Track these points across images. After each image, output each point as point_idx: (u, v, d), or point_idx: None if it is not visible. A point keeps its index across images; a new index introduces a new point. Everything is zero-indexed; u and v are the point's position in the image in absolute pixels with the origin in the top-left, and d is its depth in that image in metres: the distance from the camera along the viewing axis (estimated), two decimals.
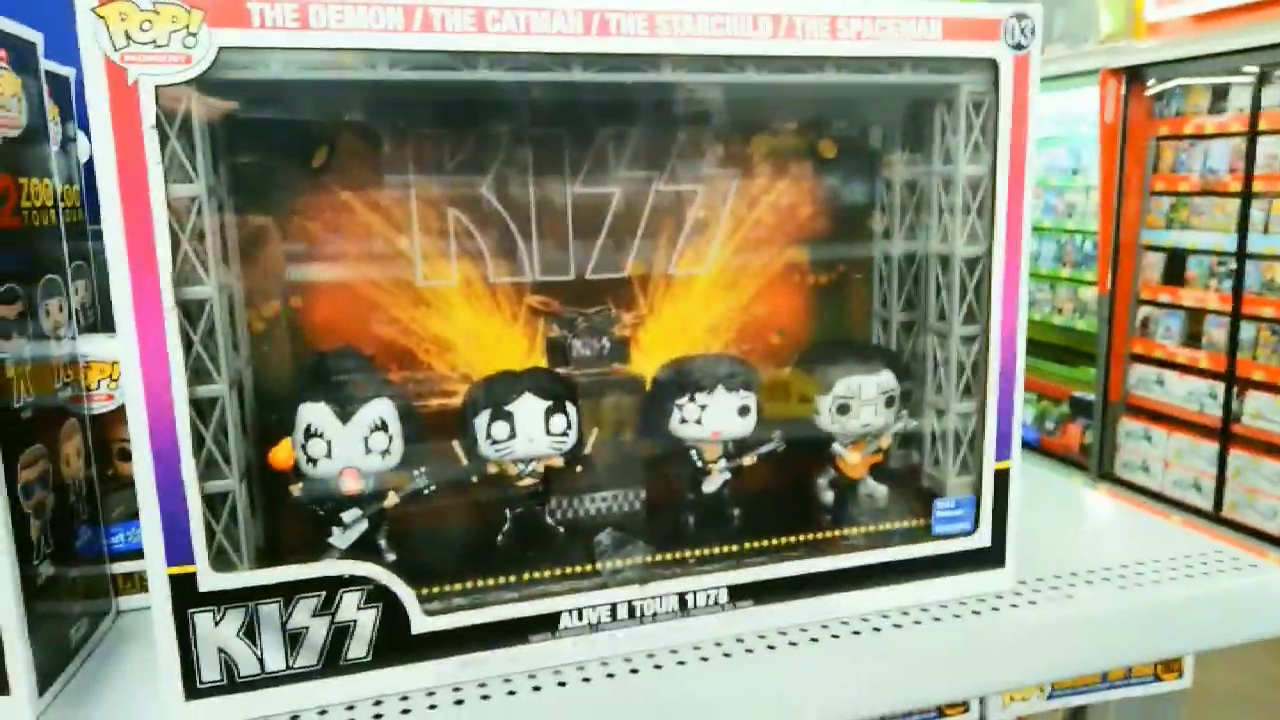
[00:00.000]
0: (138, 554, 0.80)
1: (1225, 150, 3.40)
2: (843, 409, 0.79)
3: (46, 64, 0.75)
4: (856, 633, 0.74)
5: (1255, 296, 3.28)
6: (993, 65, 0.71)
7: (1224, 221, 3.43)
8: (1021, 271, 0.74)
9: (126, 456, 0.80)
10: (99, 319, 0.92)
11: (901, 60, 0.70)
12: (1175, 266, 3.65)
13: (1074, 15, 4.08)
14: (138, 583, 0.80)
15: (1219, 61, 3.31)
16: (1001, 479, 0.77)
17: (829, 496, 0.82)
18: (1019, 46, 0.71)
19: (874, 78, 0.71)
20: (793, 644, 0.73)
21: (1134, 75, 3.60)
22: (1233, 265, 3.36)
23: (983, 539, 0.78)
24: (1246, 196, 3.29)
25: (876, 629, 0.75)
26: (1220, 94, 3.46)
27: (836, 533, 0.78)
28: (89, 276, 0.90)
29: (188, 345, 0.61)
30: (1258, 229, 3.27)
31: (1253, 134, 3.24)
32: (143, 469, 0.60)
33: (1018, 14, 0.70)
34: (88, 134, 1.03)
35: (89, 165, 1.03)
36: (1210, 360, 3.46)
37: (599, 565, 0.72)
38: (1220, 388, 3.43)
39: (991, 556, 0.79)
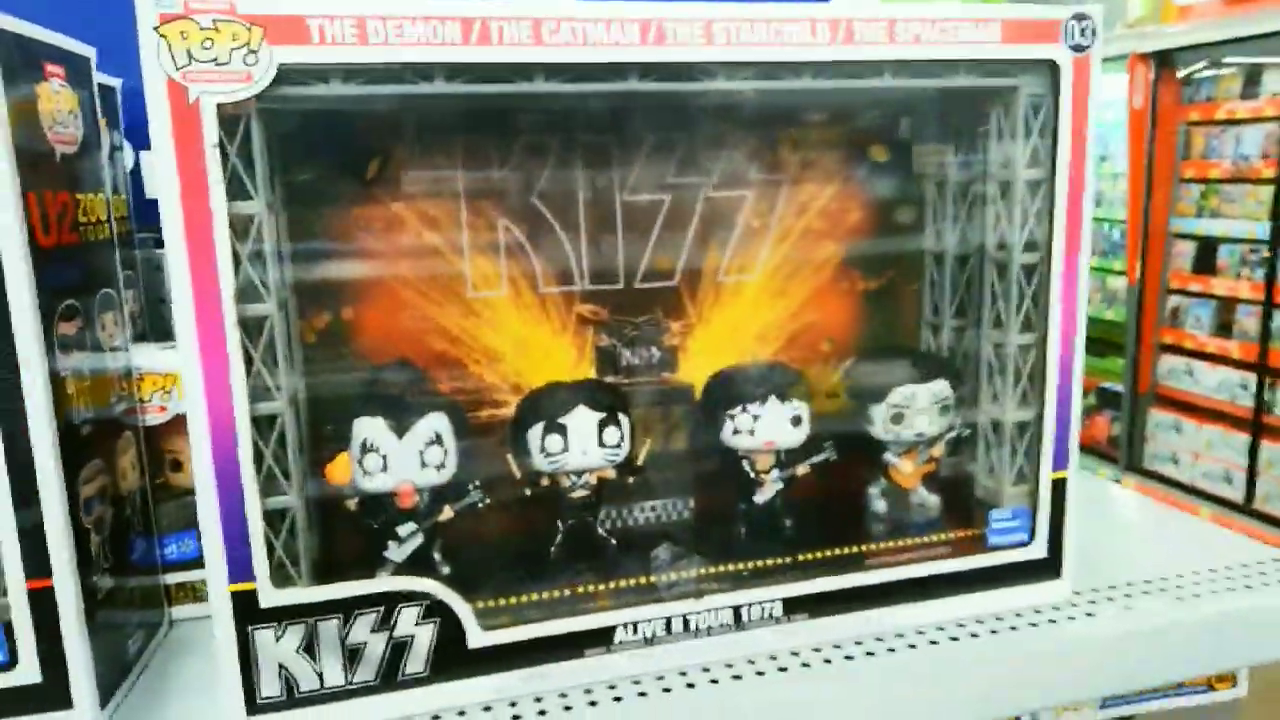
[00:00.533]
0: (190, 564, 0.81)
1: (1258, 136, 3.34)
2: (897, 417, 0.78)
3: (96, 76, 0.75)
4: (913, 646, 0.74)
5: None
6: (1053, 67, 0.70)
7: (1256, 209, 3.38)
8: (1081, 278, 0.73)
9: (178, 467, 0.81)
10: (148, 327, 0.92)
11: (959, 63, 0.69)
12: (1206, 255, 3.60)
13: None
14: (190, 592, 0.81)
15: (1251, 45, 3.25)
16: (1059, 489, 0.76)
17: (881, 506, 0.82)
18: (1079, 48, 0.70)
19: (932, 81, 0.69)
20: (848, 658, 0.72)
21: (1163, 60, 3.54)
22: (1265, 254, 3.30)
23: (1039, 550, 0.78)
24: None
25: (933, 642, 0.74)
26: (1253, 78, 3.40)
27: (890, 544, 0.78)
28: (137, 286, 0.90)
29: (248, 362, 0.61)
30: None
31: None
32: (205, 487, 0.60)
33: (1078, 15, 0.69)
34: (133, 144, 1.04)
35: (134, 173, 1.04)
36: (1242, 350, 3.41)
37: (654, 579, 0.72)
38: (1252, 378, 3.38)
39: (1048, 568, 0.78)
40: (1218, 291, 3.52)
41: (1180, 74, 3.58)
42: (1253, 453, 3.41)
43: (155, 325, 0.99)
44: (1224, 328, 3.55)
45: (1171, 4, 3.66)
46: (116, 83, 0.95)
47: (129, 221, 0.93)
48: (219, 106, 0.57)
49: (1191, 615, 0.79)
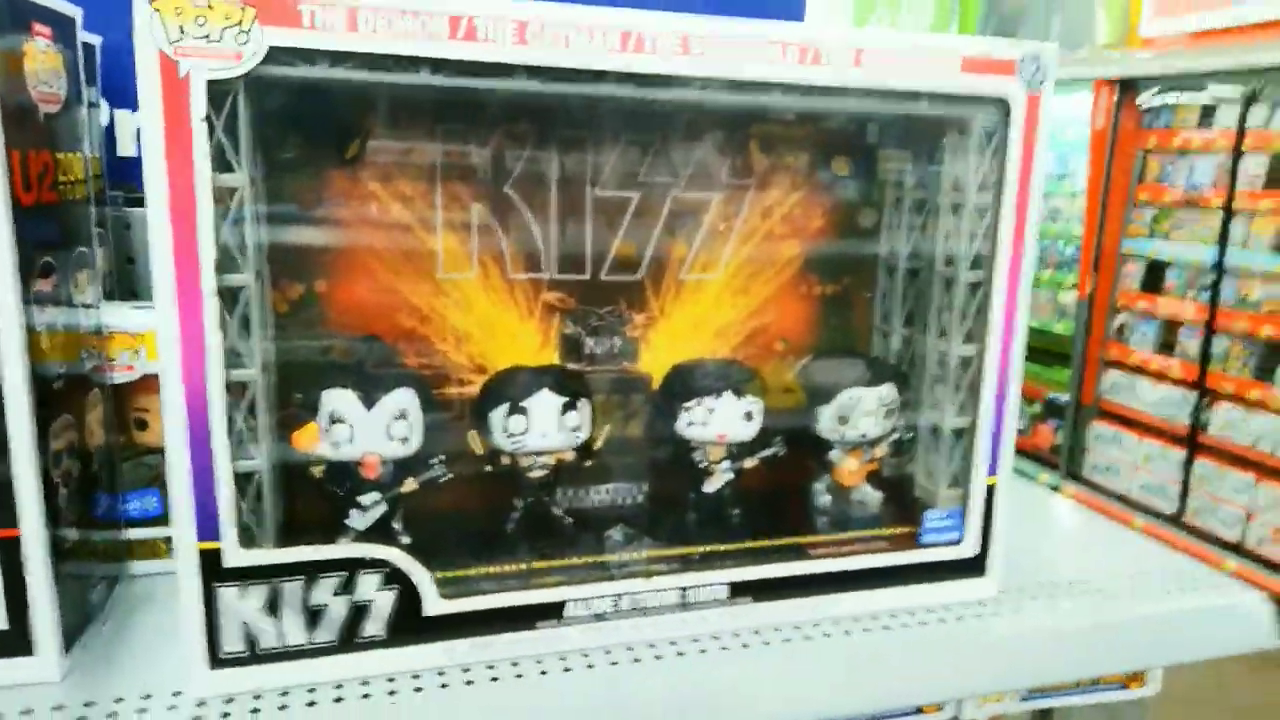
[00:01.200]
0: (151, 521, 0.83)
1: (1210, 165, 3.45)
2: (843, 418, 0.82)
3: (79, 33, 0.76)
4: (848, 633, 0.78)
5: (1230, 310, 3.35)
6: (1004, 104, 0.74)
7: (1205, 235, 3.49)
8: (1022, 296, 0.78)
9: (143, 425, 0.82)
10: (115, 285, 0.93)
11: (920, 93, 0.73)
12: (1154, 276, 3.71)
13: (1070, 20, 4.11)
14: (150, 549, 0.83)
15: (1211, 79, 3.35)
16: (990, 493, 0.81)
17: (825, 501, 0.86)
18: (1032, 86, 0.74)
19: (893, 106, 0.73)
20: (786, 640, 0.77)
21: (1127, 86, 3.64)
22: (1211, 278, 3.42)
23: (969, 549, 0.82)
24: (1228, 212, 3.35)
25: (867, 630, 0.79)
26: (1209, 110, 3.51)
27: (831, 536, 0.82)
28: (108, 244, 0.91)
29: (223, 330, 0.63)
30: (1237, 244, 3.33)
31: (1237, 152, 3.30)
32: (176, 449, 0.62)
33: (1032, 55, 0.73)
34: (110, 101, 1.04)
35: (109, 130, 1.05)
36: (1183, 370, 3.53)
37: (606, 559, 0.75)
38: (1191, 397, 3.51)
39: (976, 566, 0.83)
40: (1163, 312, 3.64)
41: (1141, 100, 3.68)
42: (1187, 468, 3.54)
43: (123, 284, 1.00)
44: (1167, 346, 3.67)
45: (1139, 34, 3.75)
46: (97, 40, 0.95)
47: (103, 180, 0.93)
48: (209, 82, 0.58)
49: (1109, 617, 0.84)
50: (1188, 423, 3.52)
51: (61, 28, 0.70)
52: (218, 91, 0.59)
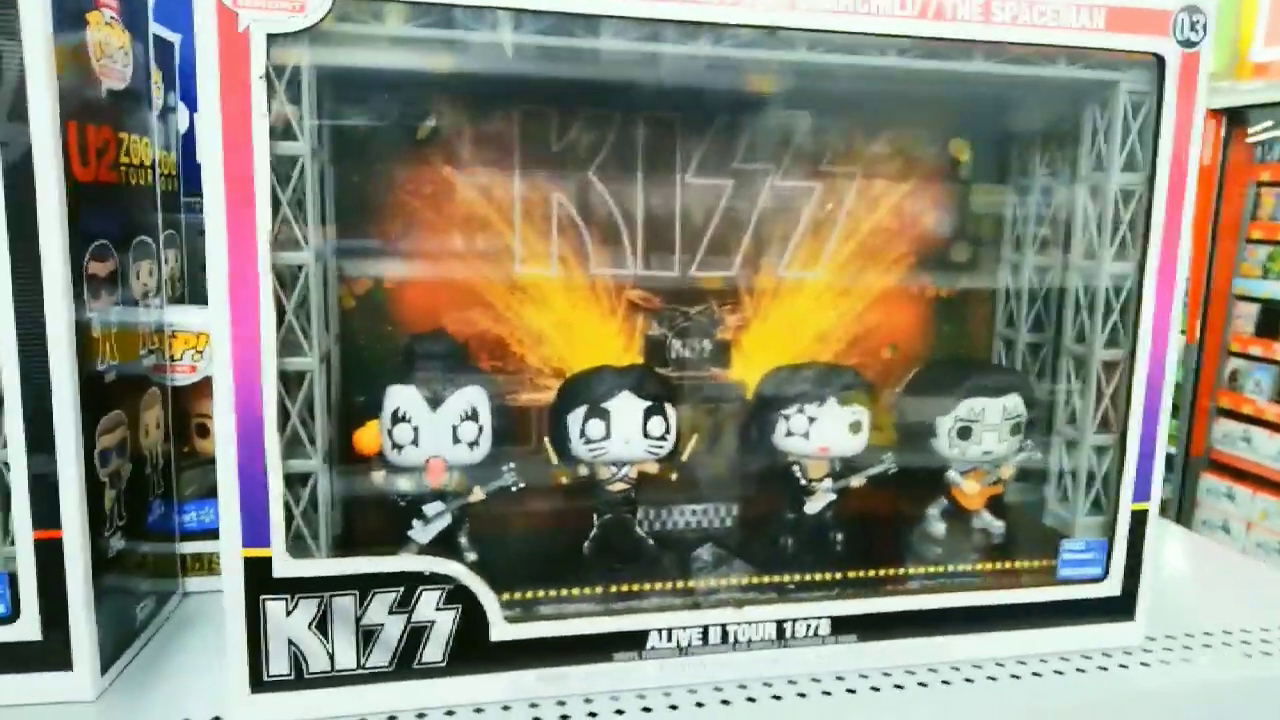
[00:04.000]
0: (208, 534, 0.78)
1: None
2: (964, 432, 0.73)
3: (154, 28, 0.74)
4: (969, 680, 0.68)
5: None
6: (1159, 62, 0.65)
7: None
8: (1176, 294, 0.67)
9: (204, 432, 0.77)
10: (186, 292, 0.90)
11: (1058, 51, 0.64)
12: (1270, 319, 3.48)
13: None
14: (206, 564, 0.77)
15: None
16: (1138, 522, 0.70)
17: (939, 528, 0.76)
18: (1189, 43, 0.64)
19: (1026, 69, 0.65)
20: (898, 687, 0.67)
21: (1235, 117, 3.45)
22: None
23: (1113, 587, 0.71)
24: None
25: (991, 678, 0.68)
26: None
27: (948, 568, 0.72)
28: (179, 247, 0.88)
29: (280, 314, 0.57)
30: None
31: None
32: (224, 441, 0.56)
33: (1189, 7, 0.64)
34: (189, 105, 1.02)
35: (188, 136, 1.03)
36: None
37: (694, 583, 0.66)
38: None
39: (1121, 607, 0.72)
40: None
41: (1251, 133, 3.49)
42: None
43: (195, 293, 0.96)
44: None
45: (1248, 61, 3.57)
46: (175, 38, 0.93)
47: (177, 182, 0.90)
48: (269, 37, 0.54)
49: (1267, 673, 0.72)
50: None
51: (130, 7, 0.67)
52: (279, 49, 0.55)
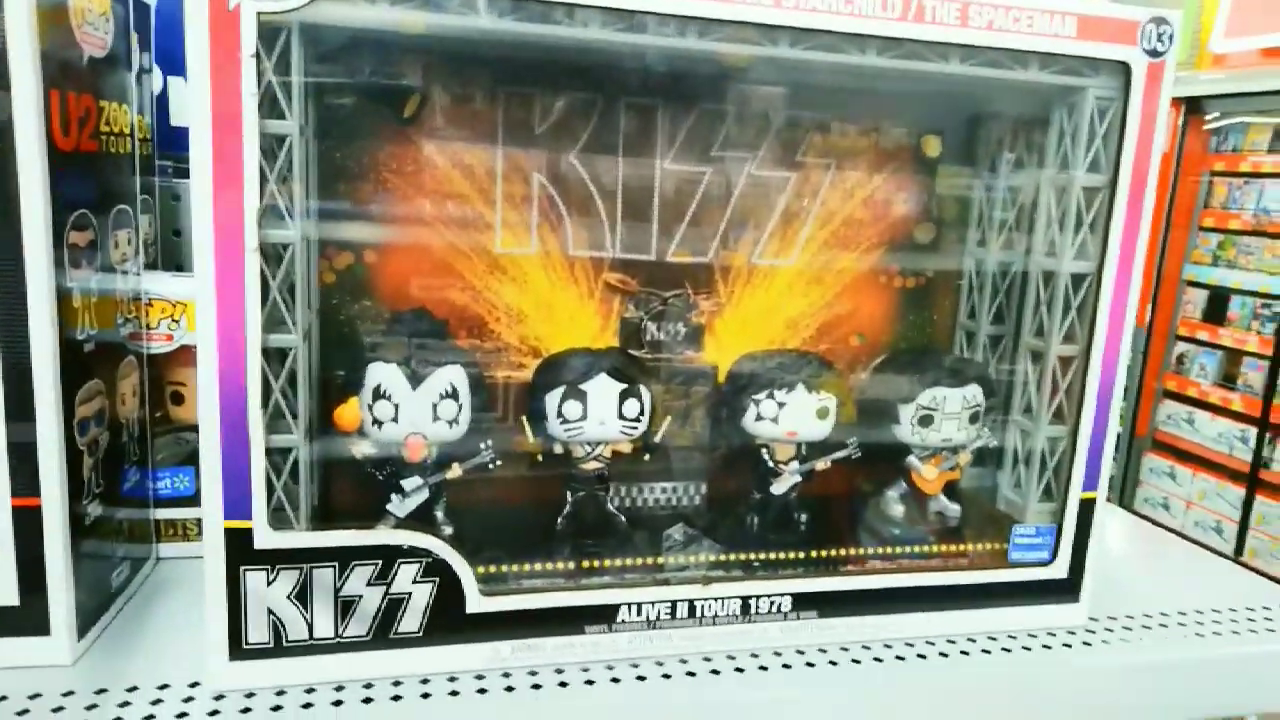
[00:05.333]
0: (182, 500, 0.78)
1: None
2: (925, 420, 0.76)
3: None
4: (922, 656, 0.71)
5: None
6: (1125, 69, 0.67)
7: (1272, 263, 3.36)
8: (1132, 293, 0.70)
9: (179, 400, 0.78)
10: (159, 257, 0.89)
11: (1030, 56, 0.66)
12: (1217, 305, 3.58)
13: None
14: (181, 530, 0.78)
15: None
16: (1086, 509, 0.74)
17: (898, 510, 0.79)
18: (1155, 53, 0.67)
19: (999, 73, 0.67)
20: (855, 661, 0.70)
21: (1193, 106, 3.52)
22: (1277, 308, 3.29)
23: (1059, 570, 0.75)
24: None
25: (943, 654, 0.72)
26: None
27: (906, 549, 0.75)
28: (153, 212, 0.87)
29: (264, 290, 0.58)
30: None
31: None
32: (208, 416, 0.57)
33: (1156, 19, 0.66)
34: (164, 67, 1.01)
35: (161, 98, 1.01)
36: (1244, 403, 3.39)
37: (665, 560, 0.69)
38: (1252, 432, 3.37)
39: (1066, 589, 0.76)
40: (1225, 342, 3.50)
41: (1209, 122, 3.56)
42: (1246, 506, 3.39)
43: (167, 258, 0.96)
44: (1228, 379, 3.53)
45: (1208, 50, 3.64)
46: (151, 1, 0.92)
47: (151, 146, 0.89)
48: (259, 15, 0.54)
49: (1206, 654, 0.76)
50: (1248, 459, 3.38)
51: None
52: (269, 28, 0.55)
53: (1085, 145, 0.70)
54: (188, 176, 0.56)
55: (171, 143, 1.01)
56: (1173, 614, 0.81)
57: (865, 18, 0.62)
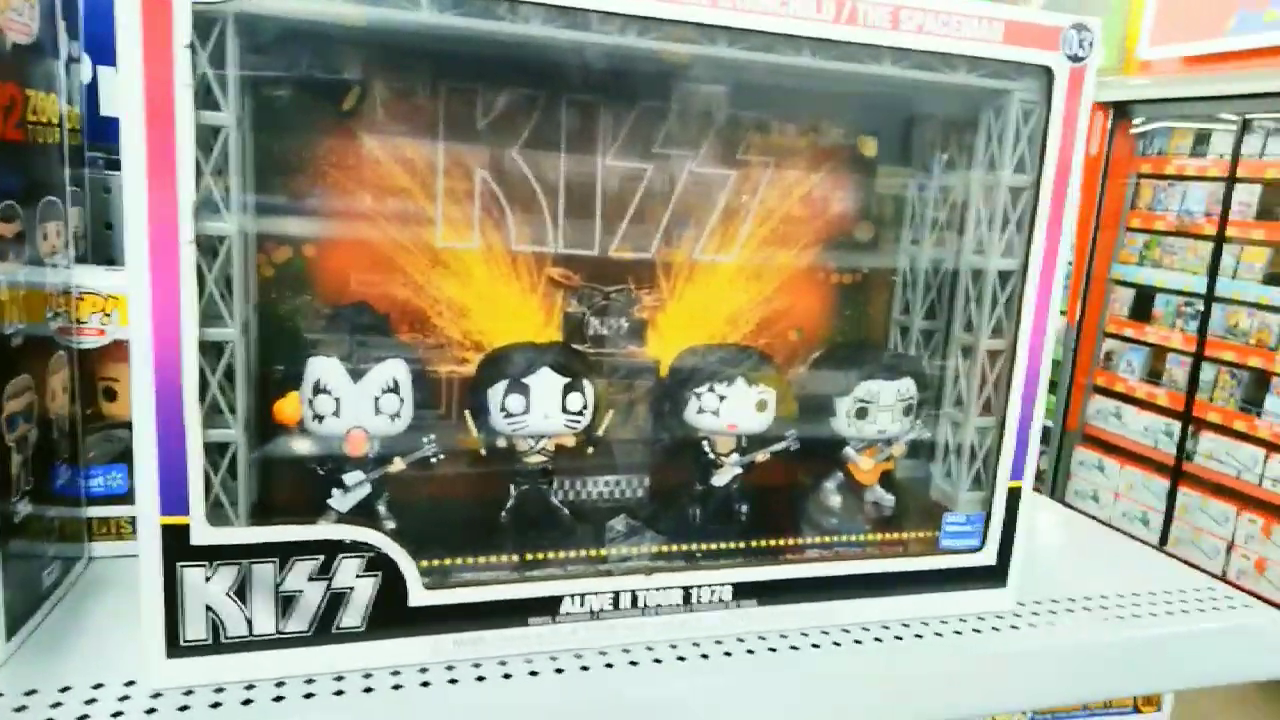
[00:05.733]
0: (114, 499, 0.77)
1: (1202, 194, 3.45)
2: (861, 412, 0.78)
3: None
4: (858, 642, 0.73)
5: (1218, 340, 3.34)
6: (1048, 74, 0.70)
7: (1195, 263, 3.49)
8: (1055, 290, 0.73)
9: (111, 396, 0.76)
10: (90, 250, 0.87)
11: (958, 59, 0.69)
12: (1143, 303, 3.71)
13: None
14: (114, 529, 0.77)
15: (1204, 105, 3.36)
16: (1013, 498, 0.77)
17: (835, 501, 0.81)
18: (1076, 59, 0.70)
19: (928, 75, 0.69)
20: (794, 648, 0.71)
21: (1121, 111, 3.64)
22: (1199, 307, 3.42)
23: (988, 557, 0.78)
24: (1219, 240, 3.35)
25: (878, 639, 0.74)
26: (1202, 138, 3.52)
27: (842, 538, 0.77)
28: (84, 204, 0.85)
29: (200, 284, 0.57)
30: (1227, 274, 3.33)
31: (1231, 180, 3.29)
32: (143, 411, 0.56)
33: (1078, 25, 0.69)
34: (93, 56, 0.98)
35: (90, 87, 0.99)
36: (1169, 398, 3.52)
37: (608, 551, 0.70)
38: (1176, 426, 3.50)
39: (995, 575, 0.78)
40: (1151, 339, 3.63)
41: (1135, 126, 3.69)
42: (1170, 497, 3.52)
43: (99, 250, 0.94)
44: (1154, 375, 3.66)
45: (1134, 57, 3.76)
46: None
47: (81, 136, 0.87)
48: (194, 4, 0.53)
49: (1125, 636, 0.80)
50: (1173, 452, 3.51)
51: None
52: (204, 19, 0.54)
53: (1011, 147, 0.73)
54: (119, 168, 0.55)
55: (102, 133, 0.99)
56: (1095, 598, 0.84)
57: (799, 19, 0.63)
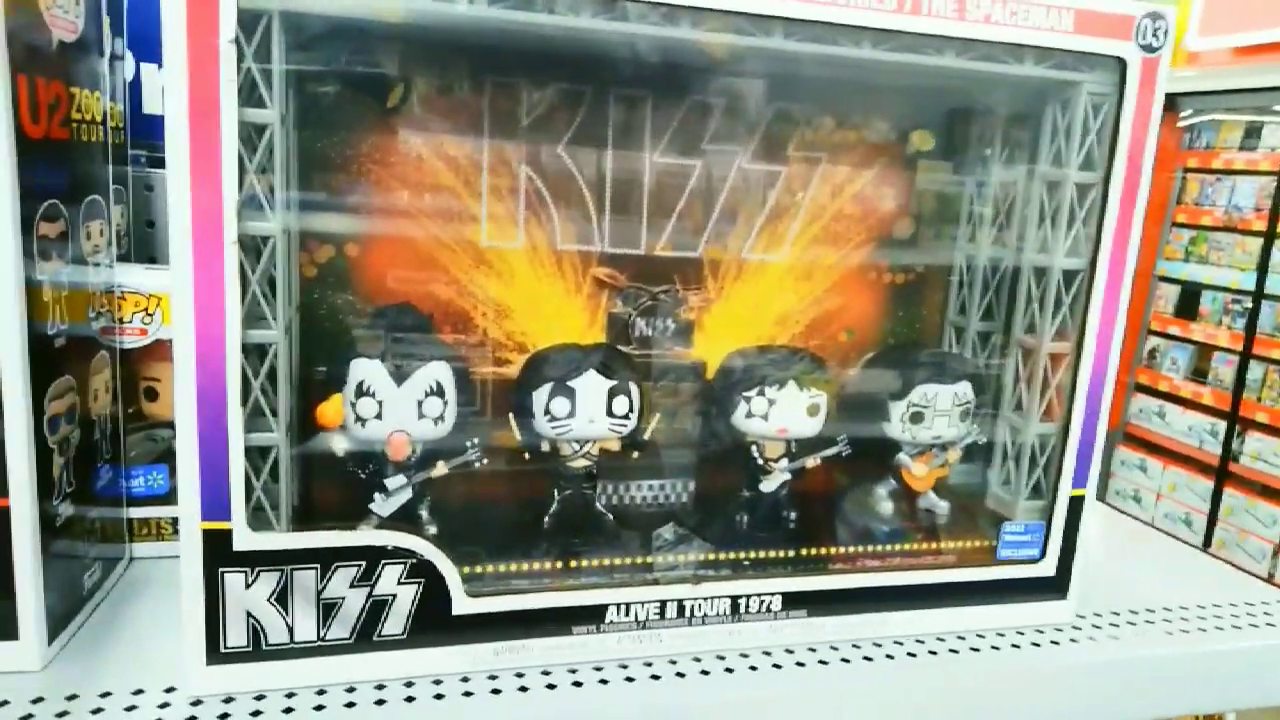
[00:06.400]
0: (156, 499, 0.76)
1: (1252, 188, 3.36)
2: (916, 417, 0.75)
3: None
4: (912, 654, 0.71)
5: (1267, 338, 3.25)
6: (1120, 65, 0.66)
7: (1243, 260, 3.40)
8: (1124, 291, 0.70)
9: (153, 395, 0.76)
10: (132, 248, 0.87)
11: (1026, 50, 0.66)
12: (1189, 300, 3.63)
13: None
14: (154, 529, 0.76)
15: (1255, 97, 3.27)
16: (1075, 507, 0.74)
17: (888, 508, 0.78)
18: (1150, 49, 0.66)
19: (994, 67, 0.66)
20: (845, 660, 0.69)
21: (1167, 103, 3.55)
22: (1247, 304, 3.33)
23: (1048, 568, 0.75)
24: (1270, 236, 3.26)
25: (932, 652, 0.71)
26: (1253, 131, 3.42)
27: (895, 547, 0.75)
28: (126, 203, 0.85)
29: (244, 284, 0.56)
30: (1277, 270, 3.24)
31: None
32: (185, 414, 0.55)
33: (1152, 14, 0.66)
34: (135, 55, 0.98)
35: (134, 84, 0.98)
36: (1215, 397, 3.44)
37: (654, 559, 0.68)
38: (1222, 425, 3.41)
39: (1054, 586, 0.75)
40: (1197, 337, 3.54)
41: (1182, 119, 3.60)
42: (1215, 499, 3.44)
43: (140, 249, 0.93)
44: (1199, 373, 3.57)
45: (1182, 48, 3.67)
46: None
47: (124, 134, 0.87)
48: (239, 1, 0.52)
49: (1191, 650, 0.76)
50: (1218, 452, 3.43)
51: None
52: (249, 13, 0.53)
53: (1079, 142, 0.69)
54: (162, 166, 0.54)
55: (145, 131, 0.98)
56: (1158, 610, 0.81)
57: (861, 9, 0.61)
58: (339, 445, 0.65)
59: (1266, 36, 3.28)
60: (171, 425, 0.66)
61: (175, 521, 0.74)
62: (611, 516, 0.72)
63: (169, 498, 0.76)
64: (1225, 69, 3.42)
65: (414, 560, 0.61)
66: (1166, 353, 3.71)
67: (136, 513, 0.76)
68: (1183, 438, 3.59)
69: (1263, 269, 3.27)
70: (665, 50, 0.65)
